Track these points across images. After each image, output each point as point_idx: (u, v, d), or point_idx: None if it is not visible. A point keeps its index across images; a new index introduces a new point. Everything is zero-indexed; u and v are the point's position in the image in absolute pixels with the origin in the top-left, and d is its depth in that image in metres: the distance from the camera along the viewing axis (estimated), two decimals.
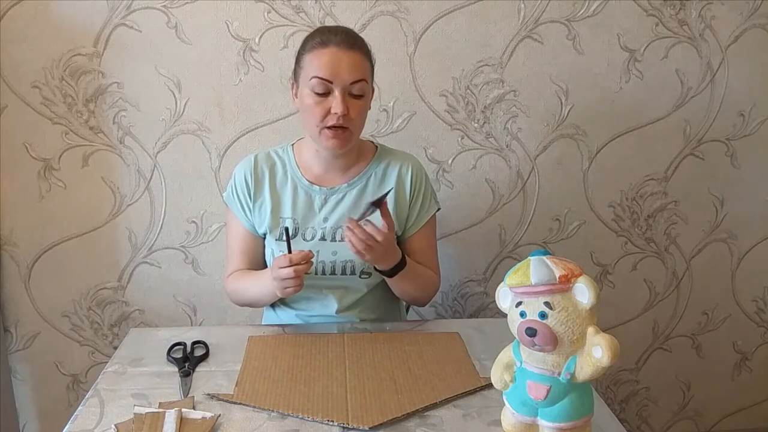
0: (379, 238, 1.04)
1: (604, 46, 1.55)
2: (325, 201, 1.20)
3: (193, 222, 1.59)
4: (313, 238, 1.19)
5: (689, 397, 1.90)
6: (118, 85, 1.48)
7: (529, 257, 0.79)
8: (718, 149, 1.67)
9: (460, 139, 1.59)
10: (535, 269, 0.75)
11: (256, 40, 1.47)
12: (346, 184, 1.21)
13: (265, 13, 1.46)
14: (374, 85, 1.19)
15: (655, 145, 1.64)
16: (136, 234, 1.59)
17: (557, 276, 0.74)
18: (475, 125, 1.58)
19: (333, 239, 1.19)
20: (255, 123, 1.53)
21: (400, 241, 1.26)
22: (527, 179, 1.64)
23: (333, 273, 1.19)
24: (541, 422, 0.80)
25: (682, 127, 1.64)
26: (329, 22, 1.46)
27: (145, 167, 1.54)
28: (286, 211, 1.20)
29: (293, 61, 1.49)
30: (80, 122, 1.50)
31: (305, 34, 1.45)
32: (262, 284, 1.16)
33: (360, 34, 1.15)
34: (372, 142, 1.29)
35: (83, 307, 1.63)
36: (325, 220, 1.20)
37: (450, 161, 1.60)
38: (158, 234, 1.59)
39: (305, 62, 1.10)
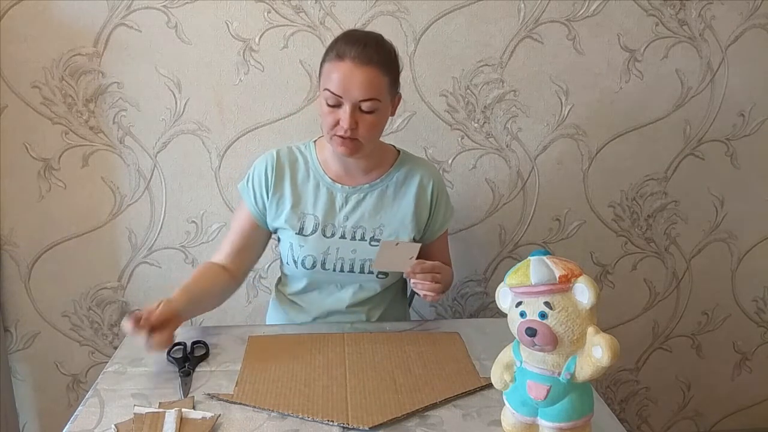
0: (435, 264, 1.11)
1: (604, 46, 1.55)
2: (346, 200, 1.21)
3: (193, 222, 1.59)
4: (333, 235, 1.20)
5: (689, 397, 1.91)
6: (118, 85, 1.48)
7: (529, 257, 0.79)
8: (718, 149, 1.67)
9: (460, 139, 1.59)
10: (535, 269, 0.75)
11: (256, 40, 1.47)
12: (368, 185, 1.21)
13: (265, 13, 1.46)
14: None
15: (655, 145, 1.65)
16: (136, 234, 1.59)
17: (557, 276, 0.74)
18: (475, 125, 1.58)
19: (353, 238, 1.20)
20: (255, 123, 1.53)
21: None
22: (527, 179, 1.64)
23: (351, 270, 1.20)
24: (541, 422, 0.80)
25: (682, 127, 1.64)
26: (329, 22, 1.46)
27: (145, 167, 1.54)
28: (308, 207, 1.21)
29: (296, 62, 1.50)
30: (80, 122, 1.50)
31: (305, 34, 1.47)
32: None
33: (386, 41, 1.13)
34: (394, 146, 1.29)
35: (83, 307, 1.63)
36: (346, 218, 1.20)
37: (450, 161, 1.60)
38: (158, 234, 1.59)
39: (324, 70, 1.10)
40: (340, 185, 1.21)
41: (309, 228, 1.20)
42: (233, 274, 1.22)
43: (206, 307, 1.17)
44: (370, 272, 1.21)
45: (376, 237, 1.20)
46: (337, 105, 1.08)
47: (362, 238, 1.20)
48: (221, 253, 1.24)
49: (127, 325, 0.94)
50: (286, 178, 1.21)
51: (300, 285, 1.26)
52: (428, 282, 1.10)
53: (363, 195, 1.21)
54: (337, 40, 1.10)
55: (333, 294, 1.25)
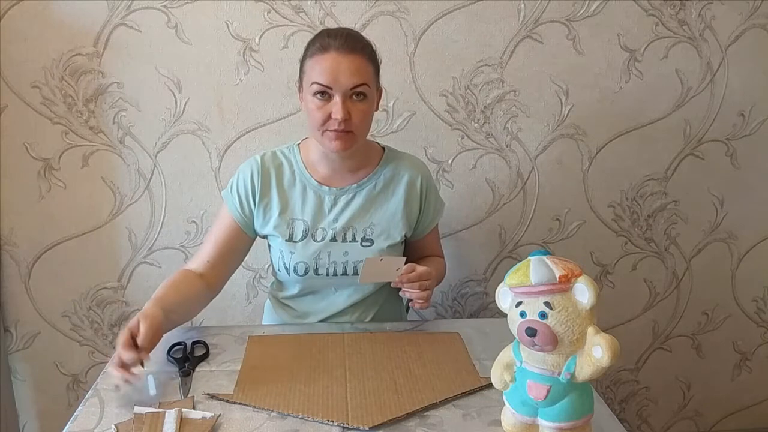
0: (423, 272, 1.10)
1: (604, 46, 1.55)
2: (335, 201, 1.20)
3: (193, 222, 1.59)
4: (323, 239, 1.19)
5: (689, 397, 1.91)
6: (118, 85, 1.48)
7: (529, 257, 0.79)
8: (718, 149, 1.67)
9: (460, 139, 1.59)
10: (535, 269, 0.76)
11: (256, 40, 1.47)
12: (356, 185, 1.21)
13: (265, 13, 1.46)
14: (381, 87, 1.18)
15: (655, 145, 1.65)
16: (136, 234, 1.59)
17: (557, 276, 0.74)
18: (475, 125, 1.58)
19: (344, 240, 1.19)
20: (255, 123, 1.53)
21: (410, 241, 1.28)
22: (527, 179, 1.64)
23: (344, 273, 1.19)
24: (541, 422, 0.80)
25: (682, 127, 1.64)
26: (329, 22, 1.46)
27: (145, 167, 1.54)
28: (296, 212, 1.19)
29: (295, 62, 1.49)
30: (80, 122, 1.50)
31: (305, 34, 1.47)
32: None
33: (363, 34, 1.13)
34: (378, 143, 1.29)
35: (83, 307, 1.63)
36: (336, 220, 1.19)
37: (450, 161, 1.60)
38: (158, 234, 1.59)
39: (307, 67, 1.09)
40: (327, 187, 1.20)
41: (299, 234, 1.19)
42: (210, 283, 1.17)
43: (179, 321, 1.09)
44: None
45: (367, 237, 1.19)
46: (327, 99, 1.07)
47: (353, 239, 1.19)
48: (199, 259, 1.18)
49: (127, 355, 0.89)
50: (272, 183, 1.20)
51: (293, 290, 1.25)
52: (416, 290, 1.11)
53: (351, 195, 1.20)
54: (315, 38, 1.11)
55: (327, 297, 1.24)
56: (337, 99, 1.06)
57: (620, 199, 1.68)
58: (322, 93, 1.07)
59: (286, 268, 1.19)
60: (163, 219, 1.58)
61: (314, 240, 1.19)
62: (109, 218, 1.57)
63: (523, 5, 1.50)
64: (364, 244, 1.19)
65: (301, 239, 1.19)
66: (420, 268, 1.11)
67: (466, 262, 1.70)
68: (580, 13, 1.52)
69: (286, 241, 1.19)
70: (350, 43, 1.07)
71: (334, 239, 1.19)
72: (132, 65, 1.47)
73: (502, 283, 0.81)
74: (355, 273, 1.19)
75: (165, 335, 1.11)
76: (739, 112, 1.64)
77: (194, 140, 1.53)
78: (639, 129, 1.63)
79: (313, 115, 1.09)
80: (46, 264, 1.59)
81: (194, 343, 1.08)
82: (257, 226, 1.22)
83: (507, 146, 1.60)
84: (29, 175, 1.52)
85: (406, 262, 1.10)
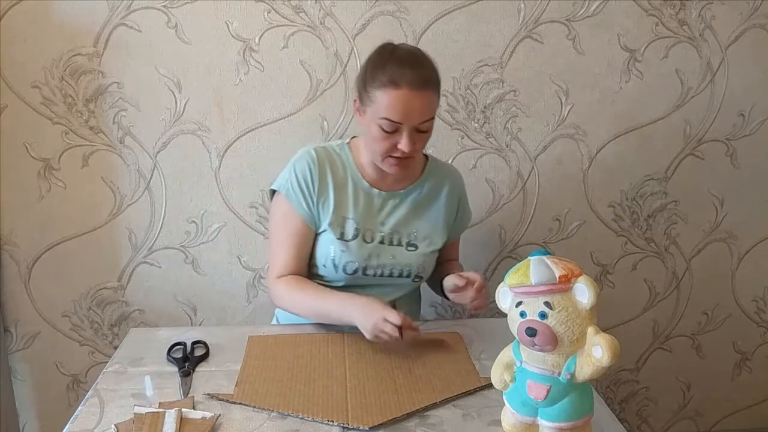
0: (478, 283, 1.10)
1: (604, 46, 1.55)
2: (383, 205, 1.22)
3: (193, 222, 1.59)
4: (372, 240, 1.20)
5: (689, 397, 1.91)
6: (118, 85, 1.48)
7: (529, 257, 0.79)
8: (718, 149, 1.67)
9: (460, 139, 1.59)
10: (535, 269, 0.76)
11: (256, 40, 1.47)
12: (403, 191, 1.23)
13: (265, 13, 1.46)
14: None
15: (655, 145, 1.65)
16: (136, 234, 1.59)
17: (557, 276, 0.74)
18: (475, 125, 1.58)
19: (391, 243, 1.21)
20: (255, 123, 1.53)
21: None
22: (527, 179, 1.64)
23: (391, 275, 1.20)
24: (541, 422, 0.80)
25: (682, 127, 1.64)
26: (329, 23, 1.46)
27: (145, 167, 1.54)
28: (349, 211, 1.20)
29: (296, 62, 1.49)
30: (80, 122, 1.50)
31: (305, 34, 1.47)
32: (340, 308, 1.11)
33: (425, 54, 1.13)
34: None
35: (83, 307, 1.63)
36: (383, 224, 1.21)
37: (450, 161, 1.60)
38: (158, 234, 1.59)
39: (376, 97, 1.07)
40: (377, 190, 1.21)
41: (350, 233, 1.19)
42: None
43: None
44: (408, 276, 1.21)
45: (411, 242, 1.22)
46: (394, 130, 1.08)
47: (399, 244, 1.21)
48: (287, 267, 1.18)
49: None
50: (328, 179, 1.19)
51: (337, 285, 1.22)
52: (483, 300, 1.11)
53: (398, 200, 1.22)
54: (385, 64, 1.07)
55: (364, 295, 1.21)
56: (405, 133, 1.07)
57: (620, 199, 1.68)
58: (391, 127, 1.07)
59: (335, 266, 1.18)
60: (163, 219, 1.58)
61: (365, 241, 1.19)
62: (109, 218, 1.57)
63: (523, 5, 1.50)
64: (409, 248, 1.21)
65: (353, 239, 1.19)
66: (476, 279, 1.10)
67: (466, 262, 1.68)
68: (580, 13, 1.52)
69: (337, 238, 1.18)
70: (422, 76, 1.06)
71: (382, 242, 1.20)
72: (132, 65, 1.47)
73: (502, 283, 0.81)
74: (400, 275, 1.21)
75: (165, 335, 1.12)
76: (739, 112, 1.64)
77: (194, 140, 1.53)
78: (639, 129, 1.63)
79: (378, 143, 1.10)
80: (46, 264, 1.58)
81: (194, 343, 1.08)
82: (318, 221, 1.20)
83: (507, 146, 1.60)
84: (29, 175, 1.52)
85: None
